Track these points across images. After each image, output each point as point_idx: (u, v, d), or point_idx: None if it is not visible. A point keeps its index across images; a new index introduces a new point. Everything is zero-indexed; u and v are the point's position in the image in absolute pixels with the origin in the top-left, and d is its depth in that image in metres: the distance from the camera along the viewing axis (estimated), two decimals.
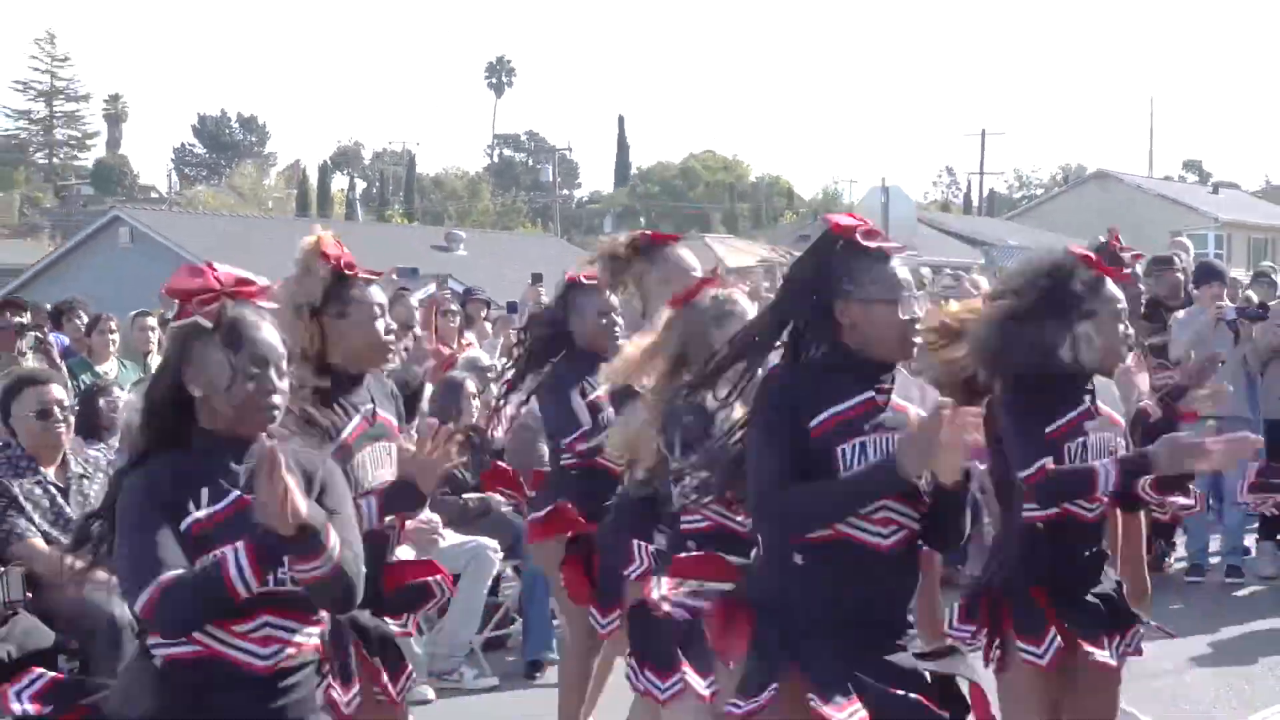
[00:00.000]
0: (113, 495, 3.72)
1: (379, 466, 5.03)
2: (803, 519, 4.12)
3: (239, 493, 3.66)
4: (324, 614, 3.82)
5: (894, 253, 4.25)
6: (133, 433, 3.76)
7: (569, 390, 6.50)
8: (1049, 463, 4.80)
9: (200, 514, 3.63)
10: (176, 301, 3.80)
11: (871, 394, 4.17)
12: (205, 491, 3.65)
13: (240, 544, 3.46)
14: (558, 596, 7.41)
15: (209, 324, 3.69)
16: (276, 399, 3.71)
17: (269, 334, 3.74)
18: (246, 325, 3.71)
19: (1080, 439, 4.91)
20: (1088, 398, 4.98)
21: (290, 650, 3.70)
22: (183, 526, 3.59)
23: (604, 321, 6.57)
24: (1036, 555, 4.96)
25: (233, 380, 3.66)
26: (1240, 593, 11.19)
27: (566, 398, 6.49)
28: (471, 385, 9.48)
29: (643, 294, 6.44)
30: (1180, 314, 11.16)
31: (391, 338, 5.15)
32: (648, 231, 6.89)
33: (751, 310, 5.29)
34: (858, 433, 4.12)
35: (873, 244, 4.22)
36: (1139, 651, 5.11)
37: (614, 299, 6.65)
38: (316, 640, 3.80)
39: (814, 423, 4.10)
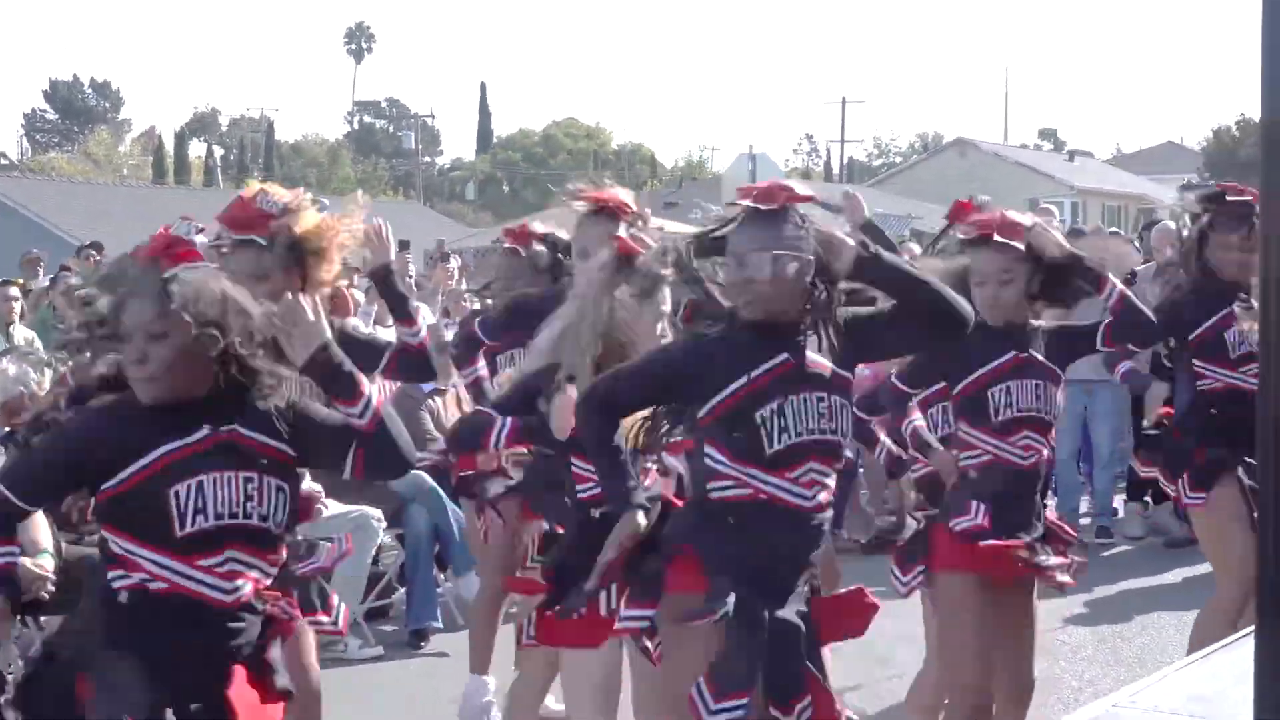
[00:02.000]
0: None
1: None
2: None
3: None
4: (283, 554, 3.94)
5: None
6: None
7: None
8: None
9: None
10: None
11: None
12: None
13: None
14: (472, 544, 7.78)
15: None
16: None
17: None
18: None
19: None
20: None
21: (249, 587, 3.79)
22: None
23: None
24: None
25: None
26: (1110, 553, 11.41)
27: None
28: None
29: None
30: None
31: None
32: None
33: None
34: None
35: None
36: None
37: None
38: (269, 580, 3.88)
39: None
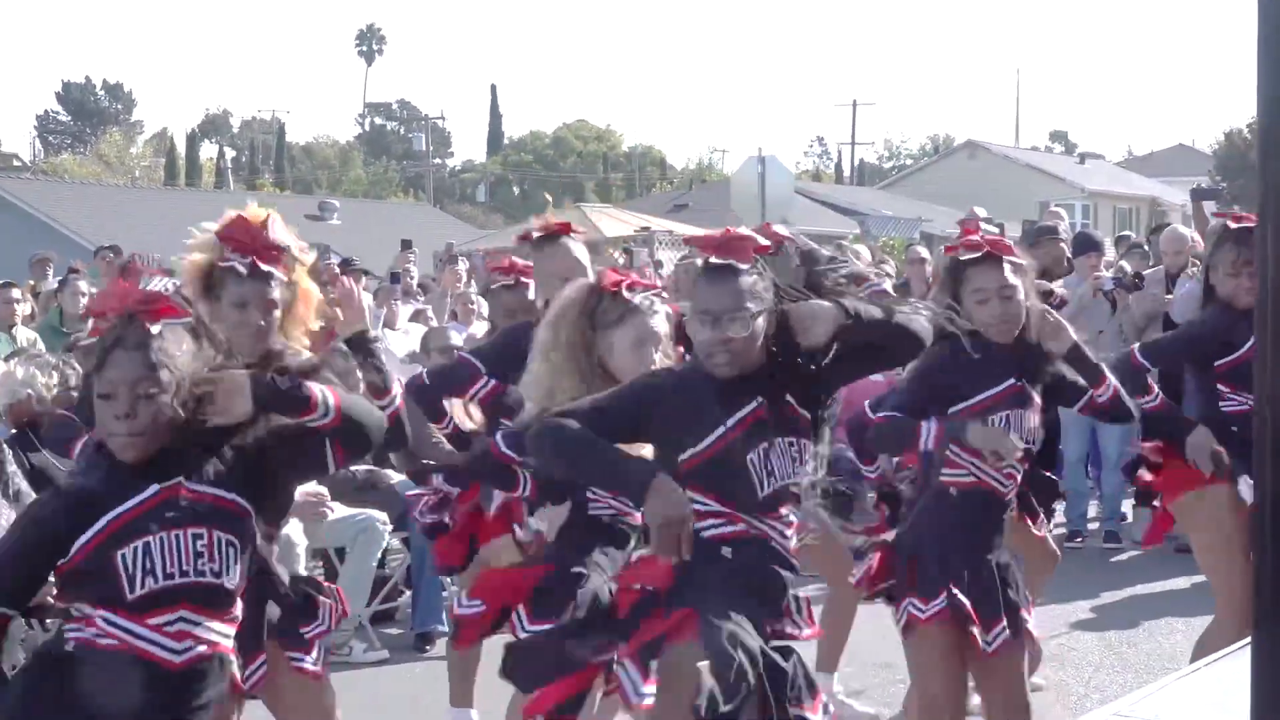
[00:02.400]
0: None
1: None
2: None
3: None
4: (238, 612, 3.82)
5: None
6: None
7: None
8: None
9: None
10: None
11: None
12: None
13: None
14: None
15: None
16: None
17: None
18: None
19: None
20: None
21: (202, 648, 3.71)
22: None
23: None
24: (945, 518, 5.22)
25: None
26: (1118, 558, 11.38)
27: None
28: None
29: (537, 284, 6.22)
30: (1059, 284, 11.28)
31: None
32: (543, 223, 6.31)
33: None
34: None
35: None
36: (1020, 641, 5.25)
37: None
38: (230, 642, 3.79)
39: None
